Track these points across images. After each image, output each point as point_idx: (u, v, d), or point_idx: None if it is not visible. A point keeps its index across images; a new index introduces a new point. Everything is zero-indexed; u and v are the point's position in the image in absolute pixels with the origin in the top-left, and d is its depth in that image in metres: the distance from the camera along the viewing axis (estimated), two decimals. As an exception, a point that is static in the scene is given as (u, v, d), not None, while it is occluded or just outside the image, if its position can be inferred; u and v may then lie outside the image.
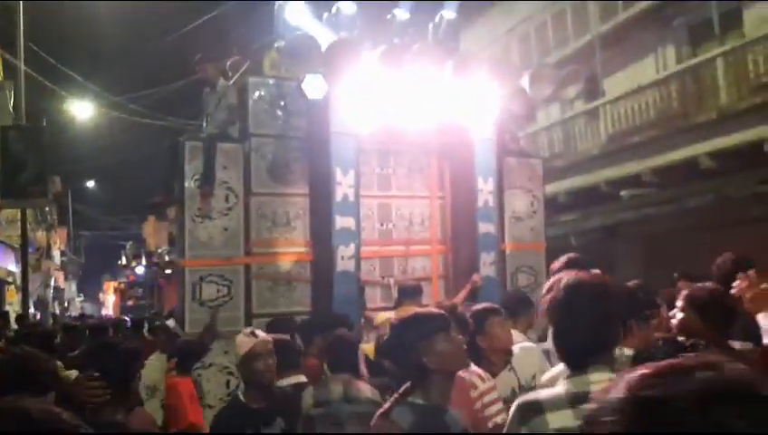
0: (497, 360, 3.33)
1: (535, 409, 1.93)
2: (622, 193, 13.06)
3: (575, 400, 1.87)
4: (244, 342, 3.52)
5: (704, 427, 0.75)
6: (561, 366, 3.14)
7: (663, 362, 0.85)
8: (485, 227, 7.00)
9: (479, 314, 3.42)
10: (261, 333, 3.60)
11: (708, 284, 3.10)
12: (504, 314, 3.67)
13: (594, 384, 1.89)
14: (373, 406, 3.49)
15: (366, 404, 3.51)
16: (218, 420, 3.58)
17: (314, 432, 3.52)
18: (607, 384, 1.84)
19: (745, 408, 0.77)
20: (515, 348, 3.48)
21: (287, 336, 4.28)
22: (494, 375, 3.27)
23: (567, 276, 2.04)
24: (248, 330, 3.69)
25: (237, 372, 3.66)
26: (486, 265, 6.92)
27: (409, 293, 5.62)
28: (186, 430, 4.79)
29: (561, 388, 1.97)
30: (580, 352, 1.96)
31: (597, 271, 2.67)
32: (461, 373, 2.56)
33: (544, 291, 2.10)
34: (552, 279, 2.13)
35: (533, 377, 3.41)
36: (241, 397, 3.51)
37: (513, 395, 3.33)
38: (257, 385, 3.49)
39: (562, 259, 4.03)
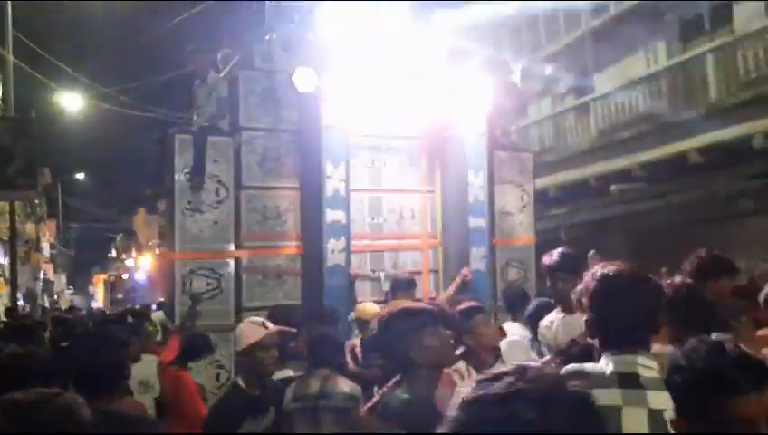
0: (486, 357, 3.35)
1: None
2: (612, 188, 13.13)
3: (623, 380, 1.97)
4: (252, 330, 3.47)
5: (505, 419, 0.96)
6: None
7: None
8: (476, 222, 7.02)
9: (463, 314, 3.43)
10: (269, 325, 3.58)
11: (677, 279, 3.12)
12: (504, 309, 3.71)
13: (642, 367, 2.00)
14: (350, 401, 3.53)
15: (342, 399, 3.56)
16: (220, 405, 3.53)
17: (292, 426, 3.55)
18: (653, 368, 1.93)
19: (537, 403, 0.96)
20: (502, 343, 3.49)
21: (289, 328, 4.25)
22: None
23: (603, 267, 2.16)
24: (257, 319, 3.64)
25: (233, 361, 3.60)
26: (476, 259, 6.94)
27: (403, 286, 5.62)
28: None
29: (606, 366, 2.04)
30: (624, 335, 2.05)
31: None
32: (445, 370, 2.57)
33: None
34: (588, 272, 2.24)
35: None
36: (241, 384, 3.47)
37: None
38: (258, 375, 3.47)
39: (555, 254, 4.05)
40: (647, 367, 2.00)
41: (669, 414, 1.75)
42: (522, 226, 7.70)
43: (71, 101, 17.04)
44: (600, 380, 1.99)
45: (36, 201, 27.70)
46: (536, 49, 15.22)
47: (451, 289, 6.36)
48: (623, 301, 2.06)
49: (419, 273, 7.10)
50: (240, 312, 6.20)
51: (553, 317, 3.84)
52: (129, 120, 16.83)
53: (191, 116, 6.93)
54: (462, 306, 3.66)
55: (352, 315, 5.46)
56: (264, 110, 6.54)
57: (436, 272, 7.33)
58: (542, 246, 7.97)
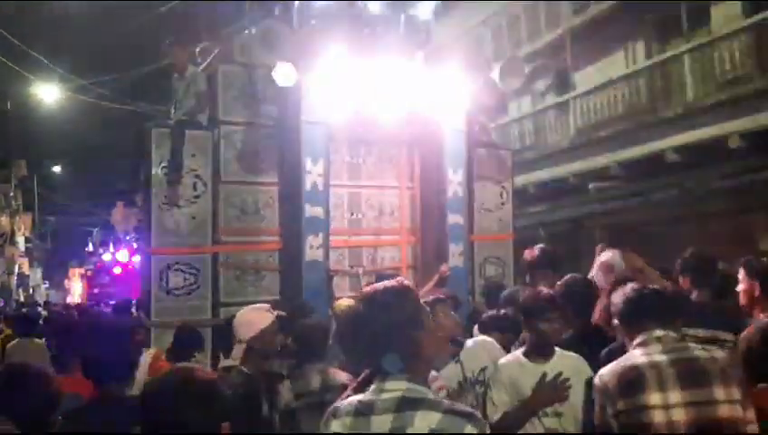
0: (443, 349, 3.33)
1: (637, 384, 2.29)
2: (590, 186, 13.25)
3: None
4: (261, 317, 3.42)
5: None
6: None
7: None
8: (454, 218, 7.04)
9: (426, 305, 3.41)
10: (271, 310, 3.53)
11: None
12: (484, 305, 3.78)
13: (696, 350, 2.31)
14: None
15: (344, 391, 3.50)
16: (238, 395, 3.26)
17: (298, 425, 3.49)
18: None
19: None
20: (469, 341, 3.49)
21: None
22: (438, 368, 3.27)
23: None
24: (263, 305, 3.58)
25: (242, 344, 3.39)
26: (455, 255, 6.97)
27: None
28: None
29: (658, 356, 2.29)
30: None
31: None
32: None
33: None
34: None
35: (482, 370, 3.40)
36: (247, 370, 3.38)
37: (460, 388, 3.35)
38: (263, 361, 3.42)
39: (536, 250, 4.10)
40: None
41: None
42: (500, 223, 7.74)
43: (47, 93, 16.78)
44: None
45: (11, 194, 27.29)
46: (517, 47, 15.28)
47: (429, 286, 6.37)
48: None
49: (398, 269, 7.11)
50: (217, 307, 6.16)
51: None
52: (107, 112, 16.62)
53: (169, 110, 6.87)
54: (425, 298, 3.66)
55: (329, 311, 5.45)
56: (242, 104, 6.50)
57: (414, 268, 7.35)
58: (521, 243, 8.05)
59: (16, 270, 29.13)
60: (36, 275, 37.90)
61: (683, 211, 10.85)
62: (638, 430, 2.25)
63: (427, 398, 1.76)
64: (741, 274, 3.46)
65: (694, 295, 3.72)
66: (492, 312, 3.98)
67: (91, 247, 43.93)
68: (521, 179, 12.03)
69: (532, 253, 4.14)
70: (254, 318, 3.44)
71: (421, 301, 2.00)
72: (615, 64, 13.59)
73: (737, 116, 10.21)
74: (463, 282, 6.77)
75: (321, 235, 6.29)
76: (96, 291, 32.09)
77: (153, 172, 6.09)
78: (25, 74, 15.48)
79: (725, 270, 4.00)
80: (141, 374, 4.86)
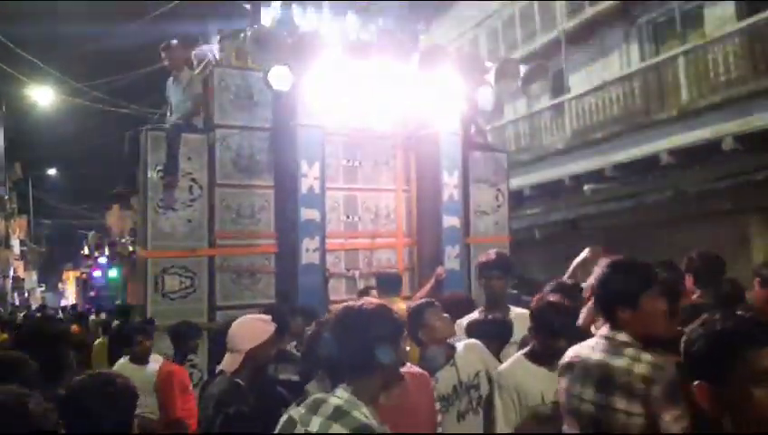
0: (438, 353, 3.34)
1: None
2: (585, 187, 13.28)
3: None
4: (262, 328, 3.29)
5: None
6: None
7: None
8: (450, 221, 7.05)
9: (417, 310, 3.42)
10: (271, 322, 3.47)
11: None
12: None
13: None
14: None
15: None
16: (222, 401, 3.17)
17: None
18: None
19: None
20: (459, 345, 3.49)
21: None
22: (434, 371, 3.28)
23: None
24: (263, 316, 3.45)
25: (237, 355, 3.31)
26: (451, 258, 6.98)
27: (392, 283, 5.49)
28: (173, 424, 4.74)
29: None
30: None
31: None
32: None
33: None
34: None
35: (477, 374, 3.41)
36: (240, 381, 3.24)
37: (455, 392, 3.35)
38: (257, 371, 3.30)
39: (492, 253, 4.20)
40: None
41: None
42: (496, 225, 7.76)
43: (42, 96, 16.74)
44: None
45: (6, 197, 27.22)
46: (512, 49, 15.32)
47: (426, 289, 6.38)
48: None
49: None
50: (214, 311, 6.17)
51: (474, 316, 3.93)
52: (103, 115, 16.59)
53: (165, 113, 6.87)
54: (413, 304, 3.67)
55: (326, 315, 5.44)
56: (238, 107, 6.51)
57: (410, 270, 7.36)
58: (517, 245, 8.07)
59: (11, 273, 29.04)
60: (32, 278, 37.79)
61: (677, 213, 10.88)
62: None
63: (352, 413, 1.97)
64: (755, 281, 3.48)
65: (696, 295, 3.73)
66: (476, 316, 3.98)
67: (86, 250, 43.83)
68: (516, 181, 12.06)
69: (488, 256, 4.20)
70: (256, 329, 3.30)
71: (413, 304, 2.11)
72: (610, 66, 13.64)
73: (731, 118, 10.25)
74: (459, 285, 6.78)
75: (317, 238, 6.29)
76: (91, 294, 32.02)
77: (149, 175, 6.09)
78: (20, 77, 15.45)
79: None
80: (148, 378, 4.87)
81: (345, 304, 2.18)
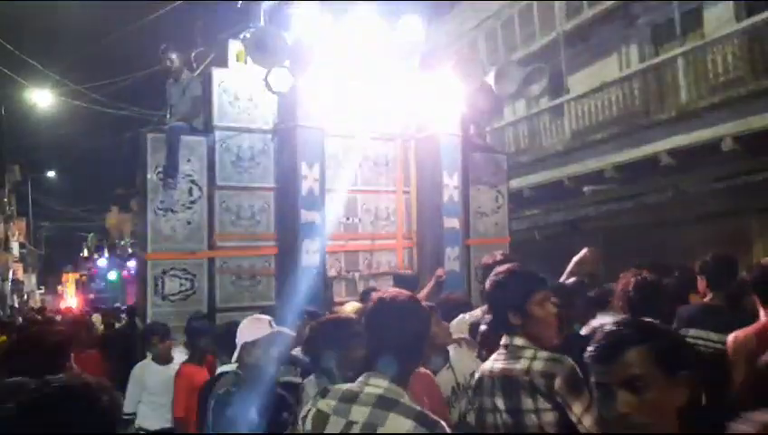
0: (435, 356, 3.36)
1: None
2: (585, 189, 13.28)
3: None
4: (254, 328, 3.37)
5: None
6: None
7: None
8: (450, 222, 7.05)
9: None
10: (273, 324, 3.50)
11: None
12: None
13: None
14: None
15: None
16: (225, 397, 3.30)
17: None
18: None
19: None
20: (450, 348, 3.50)
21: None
22: (433, 374, 3.29)
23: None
24: (265, 317, 3.53)
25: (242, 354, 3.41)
26: (451, 259, 6.98)
27: (410, 284, 5.47)
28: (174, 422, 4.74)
29: None
30: None
31: None
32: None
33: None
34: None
35: (473, 374, 3.42)
36: (241, 374, 3.34)
37: (454, 394, 3.37)
38: (260, 372, 3.35)
39: (498, 255, 4.20)
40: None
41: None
42: (496, 226, 7.76)
43: (41, 98, 16.73)
44: None
45: (5, 199, 27.20)
46: (511, 51, 15.33)
47: (426, 290, 6.37)
48: None
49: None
50: (213, 313, 6.15)
51: (477, 314, 3.94)
52: (102, 117, 16.58)
53: (164, 115, 6.87)
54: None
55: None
56: (238, 109, 6.50)
57: (410, 272, 7.34)
58: (517, 247, 8.07)
59: (11, 276, 29.01)
60: (31, 280, 37.74)
61: (677, 213, 10.88)
62: None
63: (401, 401, 1.93)
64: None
65: (708, 298, 3.79)
66: (479, 314, 3.98)
67: (85, 253, 43.82)
68: (516, 183, 12.07)
69: (493, 258, 4.19)
70: (253, 329, 3.40)
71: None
72: (609, 68, 13.64)
73: (731, 119, 10.26)
74: (459, 286, 6.77)
75: (317, 239, 6.29)
76: (91, 296, 32.00)
77: (148, 177, 6.09)
78: (19, 79, 15.45)
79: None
80: (171, 378, 4.85)
81: (379, 296, 2.16)
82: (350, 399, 1.98)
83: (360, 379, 2.04)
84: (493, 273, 2.58)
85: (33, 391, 1.34)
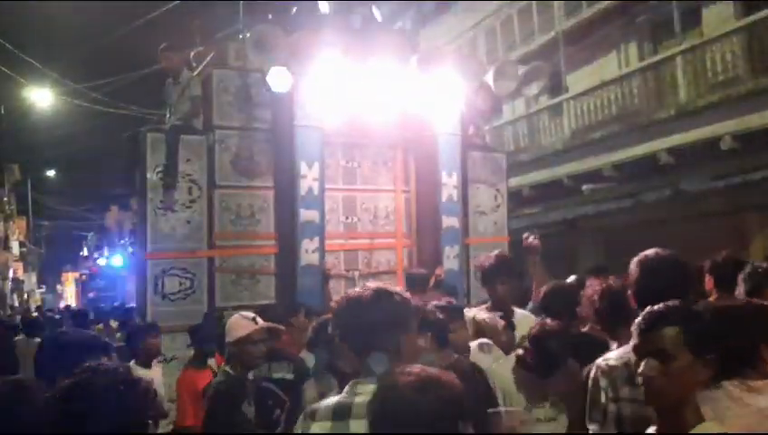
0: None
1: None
2: (584, 187, 13.30)
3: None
4: (241, 325, 3.47)
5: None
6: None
7: None
8: (449, 221, 7.06)
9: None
10: (260, 320, 3.56)
11: None
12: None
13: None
14: None
15: None
16: (218, 391, 3.48)
17: None
18: None
19: None
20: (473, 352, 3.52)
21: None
22: None
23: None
24: (249, 314, 3.61)
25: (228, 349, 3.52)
26: (450, 258, 6.99)
27: (422, 283, 5.49)
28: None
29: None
30: None
31: None
32: None
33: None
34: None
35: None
36: (230, 370, 3.49)
37: None
38: (245, 368, 3.49)
39: (492, 257, 4.21)
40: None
41: None
42: (495, 225, 7.77)
43: (41, 97, 16.75)
44: None
45: (5, 198, 27.20)
46: (510, 50, 15.34)
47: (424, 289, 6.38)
48: None
49: (393, 272, 7.14)
50: (213, 312, 6.16)
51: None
52: (101, 116, 16.60)
53: (164, 114, 6.87)
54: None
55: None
56: (237, 108, 6.51)
57: (410, 271, 7.35)
58: (516, 245, 8.07)
59: (11, 275, 29.01)
60: (31, 279, 37.74)
61: (676, 212, 10.90)
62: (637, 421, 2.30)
63: None
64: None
65: (713, 297, 3.77)
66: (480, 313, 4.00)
67: (85, 252, 43.85)
68: (515, 181, 12.07)
69: (489, 260, 4.19)
70: (235, 325, 3.50)
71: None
72: (608, 66, 13.65)
73: (730, 117, 10.27)
74: (458, 285, 6.79)
75: (316, 238, 6.30)
76: (91, 295, 32.00)
77: (148, 177, 6.09)
78: (19, 78, 15.46)
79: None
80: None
81: (341, 298, 2.16)
82: (344, 414, 1.92)
83: (347, 388, 2.00)
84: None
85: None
